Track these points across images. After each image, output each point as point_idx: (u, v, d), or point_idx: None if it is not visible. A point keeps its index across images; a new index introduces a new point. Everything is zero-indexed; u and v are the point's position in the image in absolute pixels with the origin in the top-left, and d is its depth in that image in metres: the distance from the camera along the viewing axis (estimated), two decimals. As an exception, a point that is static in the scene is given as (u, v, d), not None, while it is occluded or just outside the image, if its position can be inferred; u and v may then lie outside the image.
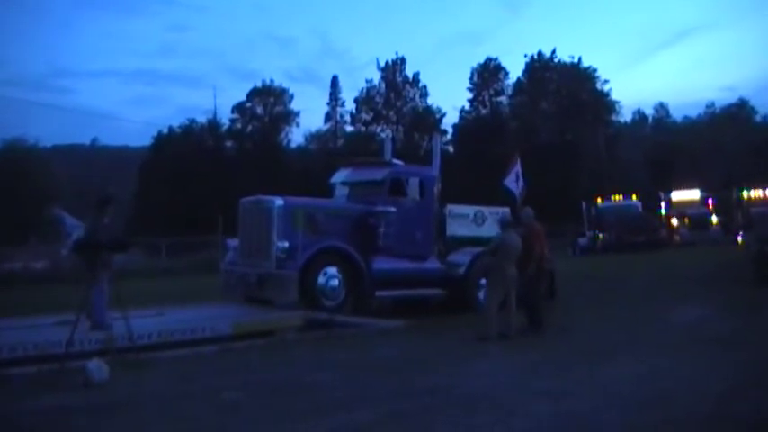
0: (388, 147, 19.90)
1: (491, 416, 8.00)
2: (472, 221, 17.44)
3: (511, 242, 13.51)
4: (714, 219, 44.33)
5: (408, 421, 7.99)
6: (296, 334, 13.71)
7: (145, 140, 76.48)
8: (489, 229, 16.53)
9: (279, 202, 15.76)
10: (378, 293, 15.91)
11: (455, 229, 17.28)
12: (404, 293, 16.42)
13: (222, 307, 16.13)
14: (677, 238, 42.87)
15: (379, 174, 17.11)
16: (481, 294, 15.37)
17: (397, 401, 8.81)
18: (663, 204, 45.91)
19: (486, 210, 17.18)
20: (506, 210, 17.27)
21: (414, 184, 17.14)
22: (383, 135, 72.77)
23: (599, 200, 44.69)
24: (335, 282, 15.44)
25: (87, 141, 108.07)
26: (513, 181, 20.75)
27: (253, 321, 14.31)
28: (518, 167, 20.95)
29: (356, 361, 11.43)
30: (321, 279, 15.29)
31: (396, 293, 16.24)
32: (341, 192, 17.83)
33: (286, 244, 15.12)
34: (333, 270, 15.43)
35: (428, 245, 17.10)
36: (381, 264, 15.97)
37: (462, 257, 16.53)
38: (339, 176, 18.17)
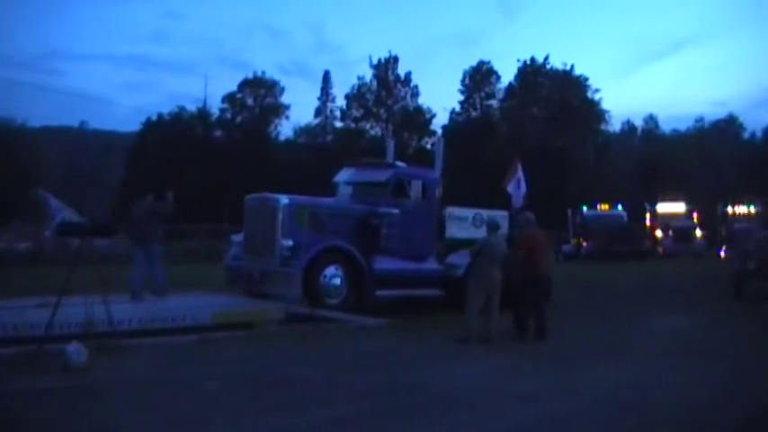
0: (391, 148, 20.25)
1: (469, 416, 8.04)
2: (471, 224, 17.56)
3: (495, 245, 13.53)
4: (698, 232, 44.52)
5: (386, 419, 8.02)
6: (277, 327, 13.70)
7: (134, 126, 76.30)
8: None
9: (284, 200, 15.96)
10: (378, 293, 16.08)
11: (454, 231, 17.42)
12: (403, 293, 16.64)
13: (203, 296, 16.14)
14: (661, 249, 43.02)
15: (382, 175, 17.37)
16: None
17: (375, 398, 8.83)
18: (648, 215, 46.07)
19: (484, 213, 17.27)
20: (494, 213, 17.37)
21: (416, 186, 17.31)
22: (372, 132, 72.95)
23: (584, 207, 44.81)
24: (338, 280, 15.67)
25: (76, 124, 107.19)
26: (516, 186, 20.97)
27: (233, 312, 14.30)
28: (519, 172, 21.19)
29: (336, 357, 11.43)
30: (324, 277, 15.49)
31: (395, 293, 16.44)
32: (344, 191, 18.09)
33: (290, 242, 15.34)
34: (335, 269, 15.65)
35: (428, 246, 17.27)
36: (382, 263, 16.17)
37: (460, 259, 16.61)
38: (343, 176, 18.39)
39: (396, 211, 16.47)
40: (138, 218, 16.12)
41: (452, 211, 17.79)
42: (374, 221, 16.34)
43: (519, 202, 20.55)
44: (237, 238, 17.48)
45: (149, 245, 15.95)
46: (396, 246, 16.46)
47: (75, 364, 9.82)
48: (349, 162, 19.20)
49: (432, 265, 17.12)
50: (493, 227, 13.97)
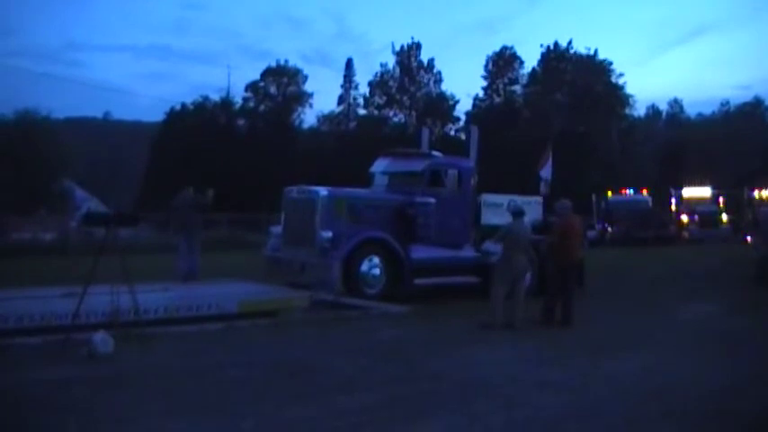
0: (425, 138, 20.63)
1: (490, 404, 8.04)
2: (506, 210, 17.61)
3: (519, 231, 13.51)
4: (724, 217, 44.16)
5: (408, 406, 8.04)
6: (301, 314, 13.75)
7: (157, 116, 76.62)
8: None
9: (323, 192, 16.25)
10: (416, 281, 16.27)
11: (489, 217, 17.51)
12: (441, 281, 16.80)
13: (228, 285, 16.22)
14: (686, 234, 42.73)
15: (418, 165, 17.52)
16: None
17: (398, 386, 8.85)
18: (673, 200, 45.76)
19: (519, 199, 17.31)
20: (528, 199, 18.04)
21: (452, 176, 17.55)
22: (395, 119, 72.83)
23: (609, 193, 44.60)
24: (377, 270, 15.90)
25: (100, 115, 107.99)
26: (549, 171, 21.33)
27: (258, 300, 14.36)
28: (550, 158, 21.52)
29: (359, 344, 11.47)
30: (363, 268, 15.73)
31: (433, 281, 16.61)
32: (380, 181, 18.25)
33: (330, 234, 15.56)
34: (374, 259, 15.88)
35: (464, 234, 17.43)
36: (419, 252, 16.33)
37: (496, 246, 16.65)
38: (379, 166, 18.55)
39: (432, 200, 16.59)
40: (179, 209, 16.90)
41: (487, 197, 17.95)
42: (411, 211, 16.51)
43: (545, 189, 20.78)
44: (276, 229, 17.80)
45: (192, 234, 17.23)
46: (432, 234, 16.59)
47: (101, 353, 9.92)
48: (385, 152, 19.31)
49: (468, 252, 17.24)
50: (516, 213, 13.95)
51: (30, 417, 7.62)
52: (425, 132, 21.62)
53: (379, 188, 18.06)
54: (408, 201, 16.68)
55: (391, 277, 16.02)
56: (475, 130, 20.03)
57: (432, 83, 74.34)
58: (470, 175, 17.84)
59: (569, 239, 13.78)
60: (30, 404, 7.95)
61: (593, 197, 44.02)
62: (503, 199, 17.95)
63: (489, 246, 16.67)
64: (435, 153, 18.64)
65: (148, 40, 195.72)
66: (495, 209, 17.66)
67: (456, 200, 17.29)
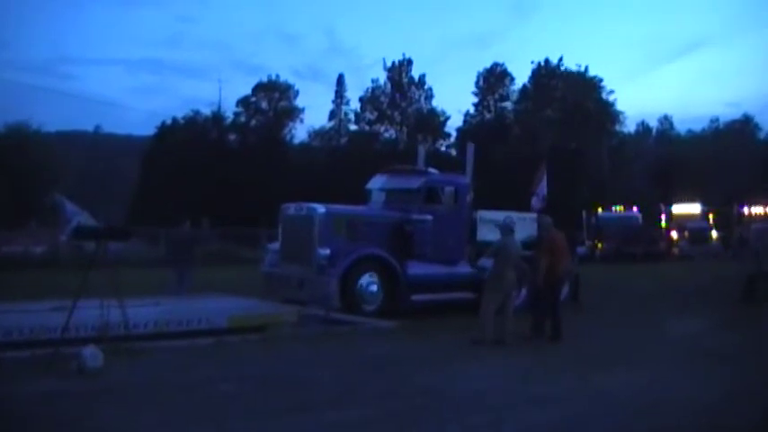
0: (422, 155, 20.86)
1: (481, 419, 8.03)
2: (495, 227, 17.72)
3: (510, 247, 13.56)
4: (714, 233, 44.33)
5: (399, 421, 8.03)
6: (291, 329, 13.75)
7: (148, 130, 76.28)
8: (518, 235, 16.74)
9: (321, 209, 16.38)
10: (413, 297, 16.39)
11: (485, 233, 17.54)
12: (437, 297, 16.91)
13: (218, 299, 16.22)
14: (676, 250, 42.88)
15: (415, 182, 17.69)
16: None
17: (388, 401, 8.85)
18: (663, 216, 45.91)
19: (515, 215, 17.37)
20: (523, 215, 18.14)
21: (448, 192, 17.66)
22: (386, 134, 72.90)
23: (599, 209, 44.73)
24: (374, 287, 16.04)
25: (91, 128, 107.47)
26: (544, 187, 21.71)
27: (248, 315, 14.37)
28: (545, 175, 21.92)
29: (350, 359, 11.46)
30: (360, 284, 15.87)
31: (430, 297, 16.70)
32: (377, 197, 18.39)
33: (328, 251, 15.71)
34: (371, 276, 16.00)
35: (460, 250, 17.55)
36: (416, 269, 16.49)
37: (489, 261, 16.77)
38: (376, 183, 18.71)
39: (429, 217, 16.74)
40: (179, 242, 17.28)
41: (483, 214, 18.04)
42: (408, 228, 16.69)
43: (539, 204, 21.08)
44: (274, 245, 17.95)
45: (186, 270, 17.80)
46: (429, 251, 16.72)
47: (90, 367, 9.88)
48: (382, 169, 19.48)
49: (464, 268, 17.36)
50: (506, 230, 14.01)
51: (18, 430, 7.59)
52: (421, 150, 21.78)
53: (376, 205, 18.17)
54: (405, 218, 16.83)
55: (388, 293, 16.13)
56: (471, 146, 20.16)
57: (423, 99, 74.40)
58: (466, 191, 18.00)
59: (554, 255, 13.91)
60: (19, 418, 7.91)
61: (584, 213, 44.12)
62: (499, 215, 17.98)
63: (485, 262, 16.72)
64: (432, 170, 18.78)
65: (140, 53, 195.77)
66: (491, 225, 17.73)
67: (452, 216, 17.37)
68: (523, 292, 16.68)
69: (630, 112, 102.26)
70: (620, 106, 73.58)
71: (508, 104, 74.28)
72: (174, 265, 18.21)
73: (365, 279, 15.89)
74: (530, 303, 15.43)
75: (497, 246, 13.82)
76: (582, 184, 61.53)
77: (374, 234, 16.64)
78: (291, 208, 17.28)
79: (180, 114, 71.91)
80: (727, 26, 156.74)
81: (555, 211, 18.99)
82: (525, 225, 17.26)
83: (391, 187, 18.20)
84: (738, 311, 17.70)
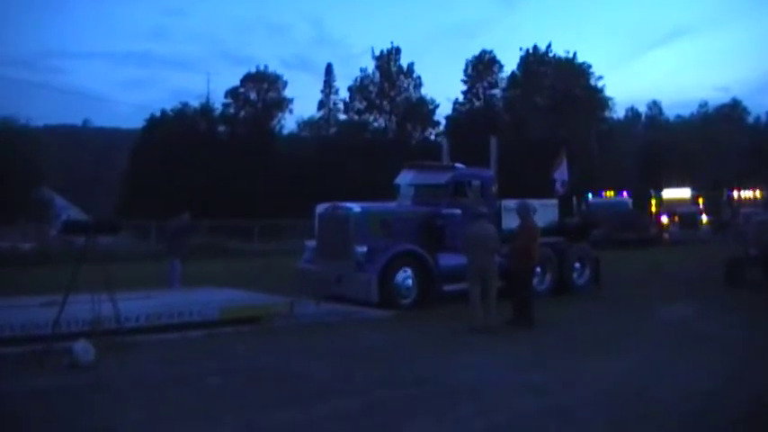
0: (446, 151, 21.57)
1: (474, 408, 8.06)
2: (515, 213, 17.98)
3: (480, 233, 13.73)
4: (704, 218, 44.39)
5: (392, 411, 8.05)
6: (283, 321, 13.74)
7: (137, 123, 76.19)
8: (539, 221, 16.88)
9: (356, 209, 16.94)
10: (446, 288, 16.61)
11: (509, 222, 17.68)
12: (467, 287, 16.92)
13: (209, 292, 16.20)
14: (666, 236, 42.93)
15: (442, 177, 18.27)
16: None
17: (381, 391, 8.87)
18: (653, 202, 45.94)
19: (536, 203, 17.50)
20: (545, 202, 19.18)
21: (475, 186, 18.24)
22: (376, 124, 72.83)
23: (590, 195, 44.73)
24: (410, 281, 16.42)
25: (79, 122, 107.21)
26: (561, 173, 22.41)
27: (240, 307, 14.35)
28: (565, 160, 22.65)
29: (342, 349, 11.49)
30: (397, 279, 16.23)
31: (461, 287, 16.61)
32: (406, 192, 18.84)
33: (365, 248, 16.21)
34: (407, 270, 16.40)
35: None
36: (447, 260, 16.72)
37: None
38: (405, 178, 19.16)
39: (458, 211, 17.16)
40: (177, 232, 18.54)
41: (508, 203, 18.29)
42: (438, 222, 17.17)
43: (562, 190, 21.94)
44: (311, 243, 18.39)
45: (175, 259, 18.09)
46: (458, 242, 16.76)
47: (82, 362, 9.88)
48: (409, 164, 19.87)
49: None
50: (476, 216, 14.46)
51: (11, 427, 7.58)
52: (446, 146, 22.10)
53: (405, 200, 18.67)
54: (436, 212, 17.33)
55: (422, 286, 16.49)
56: (494, 140, 20.43)
57: (411, 87, 74.29)
58: (491, 183, 18.65)
59: (529, 240, 14.22)
60: (11, 414, 7.90)
61: (574, 199, 44.11)
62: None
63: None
64: (458, 165, 19.13)
65: (128, 46, 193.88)
66: (515, 213, 18.01)
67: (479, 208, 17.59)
68: (548, 277, 18.10)
69: (619, 98, 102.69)
70: (608, 92, 73.88)
71: (497, 92, 74.30)
72: (168, 255, 18.34)
73: (401, 274, 16.26)
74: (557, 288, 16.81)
75: (465, 235, 14.03)
76: (571, 170, 61.48)
77: (406, 230, 17.09)
78: (327, 208, 17.83)
79: (168, 107, 71.66)
80: (716, 10, 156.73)
81: (545, 197, 19.25)
82: (546, 211, 17.94)
83: (420, 182, 18.70)
84: (729, 296, 17.73)
